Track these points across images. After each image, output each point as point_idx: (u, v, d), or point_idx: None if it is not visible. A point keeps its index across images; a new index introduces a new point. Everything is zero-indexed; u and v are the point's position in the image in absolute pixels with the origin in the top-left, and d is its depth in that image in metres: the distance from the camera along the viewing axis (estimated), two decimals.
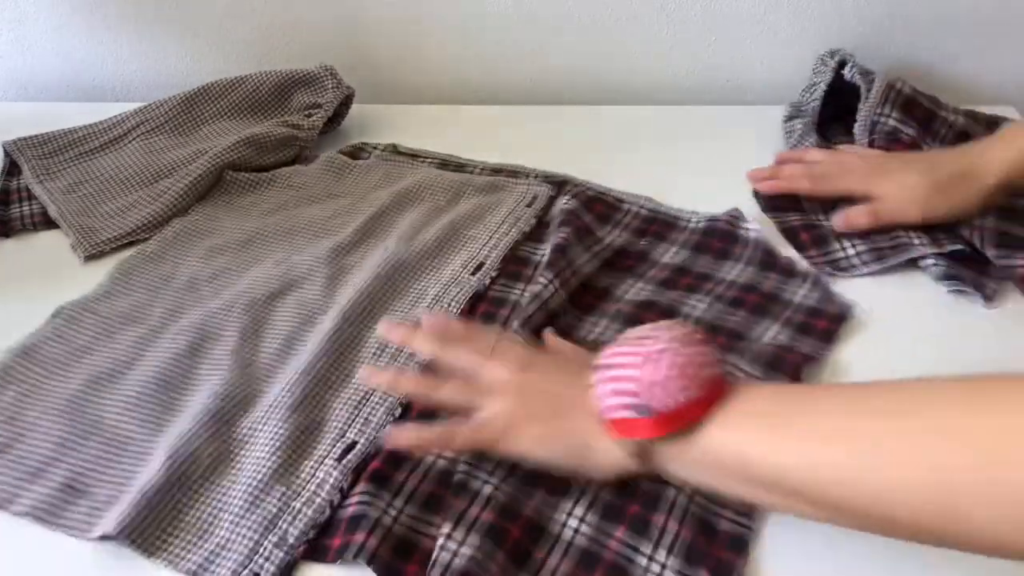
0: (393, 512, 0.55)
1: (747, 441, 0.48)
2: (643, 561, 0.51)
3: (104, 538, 0.54)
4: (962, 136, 0.88)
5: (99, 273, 0.80)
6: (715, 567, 0.51)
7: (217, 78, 1.03)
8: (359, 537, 0.53)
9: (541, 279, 0.70)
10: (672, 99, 1.09)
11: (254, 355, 0.68)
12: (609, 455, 0.52)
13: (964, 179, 0.72)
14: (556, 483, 0.56)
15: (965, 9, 0.98)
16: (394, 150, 0.97)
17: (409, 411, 0.63)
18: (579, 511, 0.54)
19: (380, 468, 0.58)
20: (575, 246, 0.75)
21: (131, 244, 0.84)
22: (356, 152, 0.97)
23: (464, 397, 0.57)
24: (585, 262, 0.75)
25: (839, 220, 0.75)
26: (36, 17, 1.15)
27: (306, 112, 1.00)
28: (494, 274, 0.75)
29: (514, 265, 0.77)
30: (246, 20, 1.13)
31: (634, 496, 0.55)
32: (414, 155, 0.96)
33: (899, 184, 0.74)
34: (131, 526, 0.54)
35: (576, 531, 0.53)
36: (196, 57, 1.17)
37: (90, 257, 0.83)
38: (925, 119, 0.87)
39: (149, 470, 0.58)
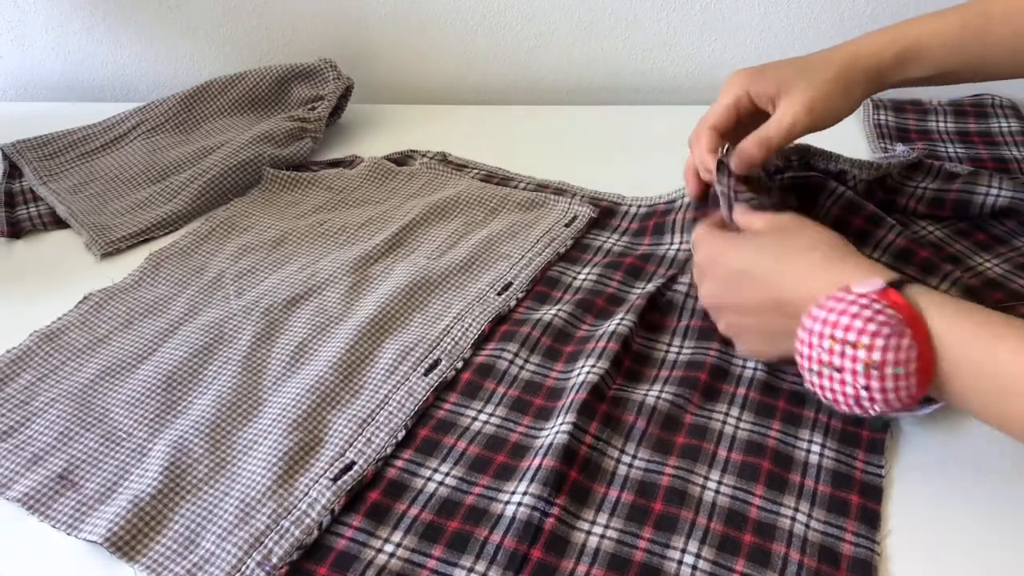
0: (390, 548, 0.53)
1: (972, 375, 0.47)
2: None
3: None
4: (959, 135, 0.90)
5: (114, 268, 0.81)
6: None
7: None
8: None
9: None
10: (672, 99, 1.09)
11: (264, 362, 0.68)
12: None
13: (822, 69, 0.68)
14: (662, 519, 0.54)
15: None
16: (443, 159, 0.94)
17: (414, 435, 0.61)
18: (692, 547, 0.52)
19: (379, 499, 0.56)
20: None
21: (146, 241, 0.85)
22: (403, 159, 0.95)
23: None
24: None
25: (735, 162, 0.67)
26: (36, 17, 1.15)
27: (309, 105, 1.01)
28: (521, 295, 0.73)
29: (543, 286, 0.74)
30: (246, 20, 1.13)
31: (745, 527, 0.53)
32: (461, 166, 0.93)
33: (780, 107, 0.68)
34: (118, 534, 0.54)
35: (694, 568, 0.51)
36: (196, 57, 1.17)
37: (106, 255, 0.83)
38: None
39: (145, 477, 0.58)
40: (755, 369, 0.64)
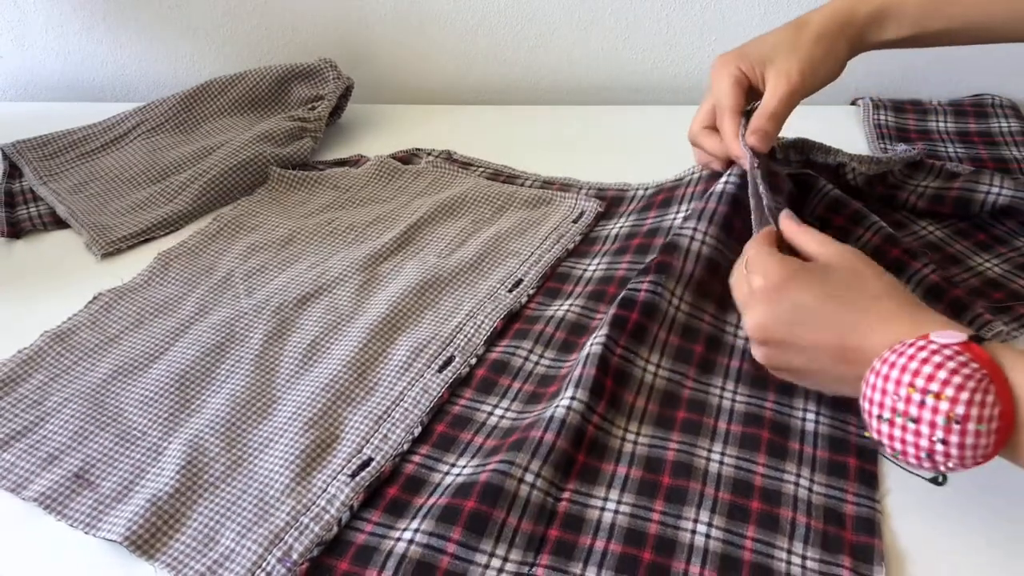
0: (408, 535, 0.52)
1: None
2: (783, 555, 0.51)
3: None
4: (961, 135, 0.90)
5: (114, 269, 0.80)
6: (853, 551, 0.51)
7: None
8: (370, 574, 0.51)
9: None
10: (672, 99, 1.09)
11: (277, 360, 0.68)
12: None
13: (800, 33, 0.70)
14: (671, 492, 0.55)
15: None
16: (448, 157, 0.95)
17: (430, 431, 0.61)
18: (704, 516, 0.53)
19: (398, 495, 0.56)
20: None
21: (147, 241, 0.85)
22: (409, 157, 0.96)
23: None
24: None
25: (752, 140, 0.68)
26: (36, 17, 1.15)
27: (309, 105, 1.01)
28: (532, 291, 0.73)
29: (554, 282, 0.74)
30: (246, 20, 1.13)
31: (752, 494, 0.54)
32: (467, 164, 0.94)
33: (770, 79, 0.70)
34: (137, 532, 0.54)
35: (707, 536, 0.52)
36: (196, 57, 1.17)
37: (106, 255, 0.83)
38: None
39: (161, 475, 0.58)
40: (746, 339, 0.63)
